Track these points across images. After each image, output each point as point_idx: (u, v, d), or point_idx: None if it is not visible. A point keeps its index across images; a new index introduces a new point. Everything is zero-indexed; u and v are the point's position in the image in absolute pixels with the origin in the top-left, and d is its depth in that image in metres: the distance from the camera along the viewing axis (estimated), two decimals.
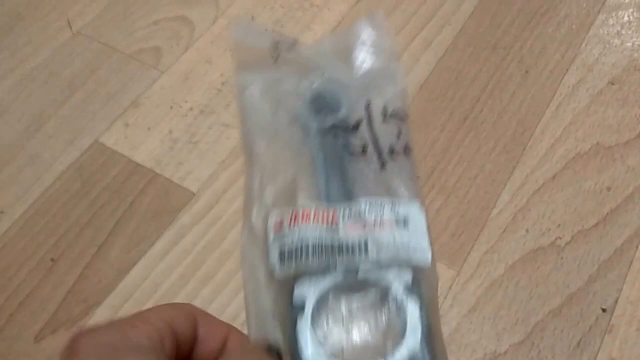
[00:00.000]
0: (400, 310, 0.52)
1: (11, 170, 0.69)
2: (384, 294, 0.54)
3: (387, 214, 0.55)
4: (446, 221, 0.64)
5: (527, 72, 0.76)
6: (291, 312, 0.52)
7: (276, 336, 0.52)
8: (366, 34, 0.70)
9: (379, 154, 0.62)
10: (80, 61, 0.78)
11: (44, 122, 0.73)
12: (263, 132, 0.65)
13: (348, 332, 0.53)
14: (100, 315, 0.61)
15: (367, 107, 0.65)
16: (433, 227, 0.63)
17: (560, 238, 0.63)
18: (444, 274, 0.61)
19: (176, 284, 0.62)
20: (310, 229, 0.54)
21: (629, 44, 0.78)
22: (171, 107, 0.73)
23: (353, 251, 0.53)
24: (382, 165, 0.62)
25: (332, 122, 0.64)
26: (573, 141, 0.69)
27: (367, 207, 0.56)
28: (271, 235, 0.56)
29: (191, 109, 0.73)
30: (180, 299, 0.61)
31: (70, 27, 0.81)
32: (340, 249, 0.53)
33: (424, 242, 0.55)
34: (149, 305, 0.61)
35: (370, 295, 0.54)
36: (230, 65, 0.77)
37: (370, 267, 0.54)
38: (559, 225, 0.64)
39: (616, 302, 0.60)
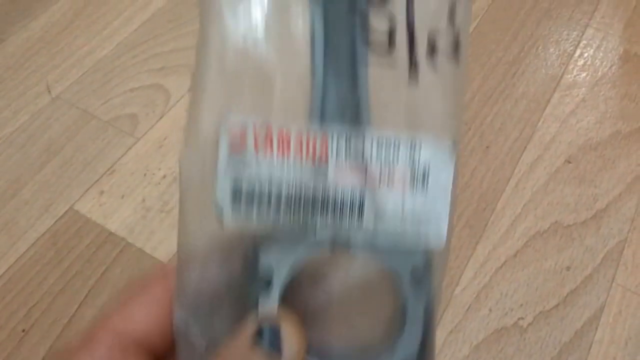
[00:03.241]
0: (401, 302, 0.32)
1: None
2: (381, 278, 0.32)
3: (402, 162, 0.32)
4: None
5: (487, 147, 0.72)
6: (252, 289, 0.32)
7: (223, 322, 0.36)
8: None
9: (412, 51, 0.34)
10: (59, 126, 0.73)
11: (20, 187, 0.68)
12: None
13: (328, 322, 0.31)
14: None
15: None
16: None
17: (522, 318, 0.59)
18: None
19: None
20: (288, 167, 0.33)
21: (584, 123, 0.74)
22: (145, 175, 0.69)
23: (342, 211, 0.32)
24: (414, 73, 0.33)
25: None
26: (533, 219, 0.66)
27: (375, 145, 0.32)
28: (224, 153, 0.33)
29: (164, 176, 0.69)
30: None
31: (50, 91, 0.76)
32: (324, 204, 0.32)
33: (443, 213, 0.38)
34: None
35: (362, 277, 0.32)
36: None
37: (365, 237, 0.32)
38: (521, 305, 0.60)
39: None
